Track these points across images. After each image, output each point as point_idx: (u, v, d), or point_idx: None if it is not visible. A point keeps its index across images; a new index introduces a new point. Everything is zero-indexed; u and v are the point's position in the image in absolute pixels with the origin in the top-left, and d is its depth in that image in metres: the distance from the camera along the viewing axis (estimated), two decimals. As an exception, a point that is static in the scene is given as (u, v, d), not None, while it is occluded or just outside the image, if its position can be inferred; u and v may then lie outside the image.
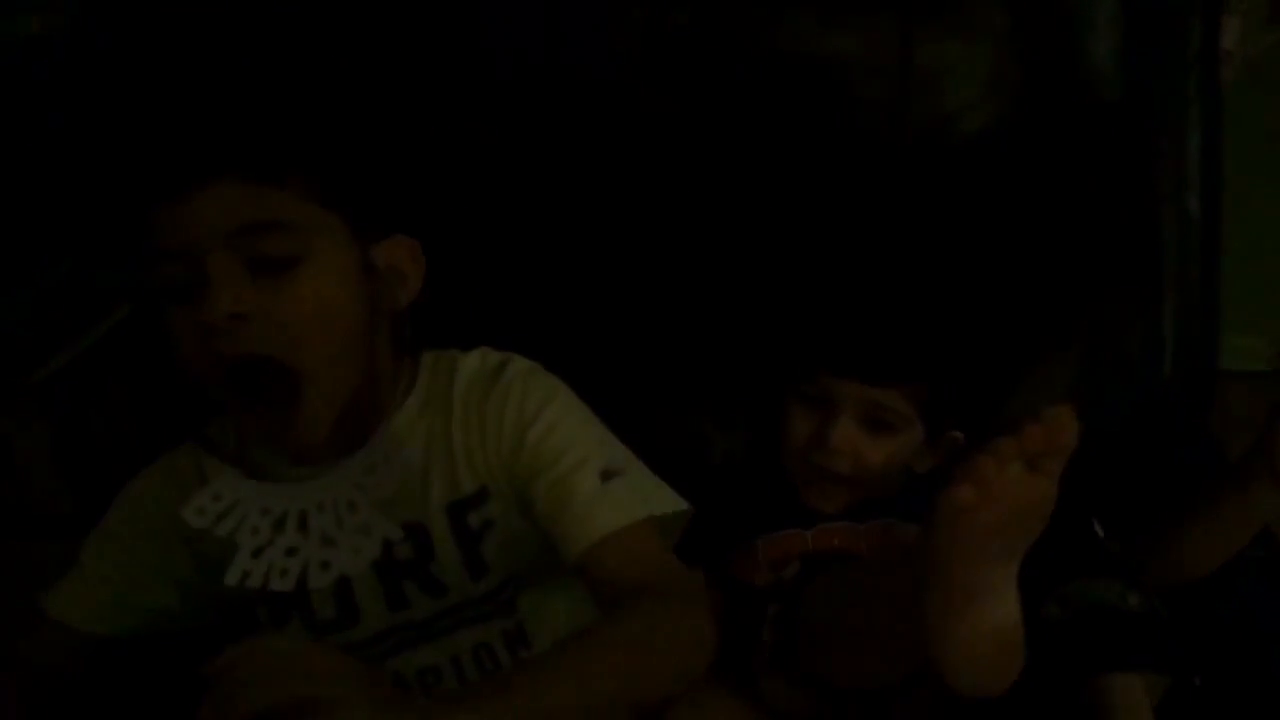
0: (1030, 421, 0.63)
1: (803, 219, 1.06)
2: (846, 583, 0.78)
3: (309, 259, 0.77)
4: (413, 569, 0.84)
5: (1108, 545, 0.85)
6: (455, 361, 0.88)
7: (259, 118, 0.84)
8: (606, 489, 0.80)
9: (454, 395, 0.86)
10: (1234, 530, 0.85)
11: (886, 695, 0.78)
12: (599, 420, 0.86)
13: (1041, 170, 1.06)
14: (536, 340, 0.90)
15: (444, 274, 0.87)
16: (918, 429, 0.94)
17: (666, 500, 0.82)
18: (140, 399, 1.07)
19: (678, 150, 1.05)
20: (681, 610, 0.76)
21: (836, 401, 0.93)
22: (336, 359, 0.79)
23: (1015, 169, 1.06)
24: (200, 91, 1.00)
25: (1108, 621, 0.77)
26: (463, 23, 1.04)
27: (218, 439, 0.87)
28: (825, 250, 1.05)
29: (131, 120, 1.00)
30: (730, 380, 1.07)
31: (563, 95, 1.04)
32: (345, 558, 0.80)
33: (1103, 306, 1.08)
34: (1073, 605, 0.77)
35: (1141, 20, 1.05)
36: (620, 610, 0.75)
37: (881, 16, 1.04)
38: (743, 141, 1.05)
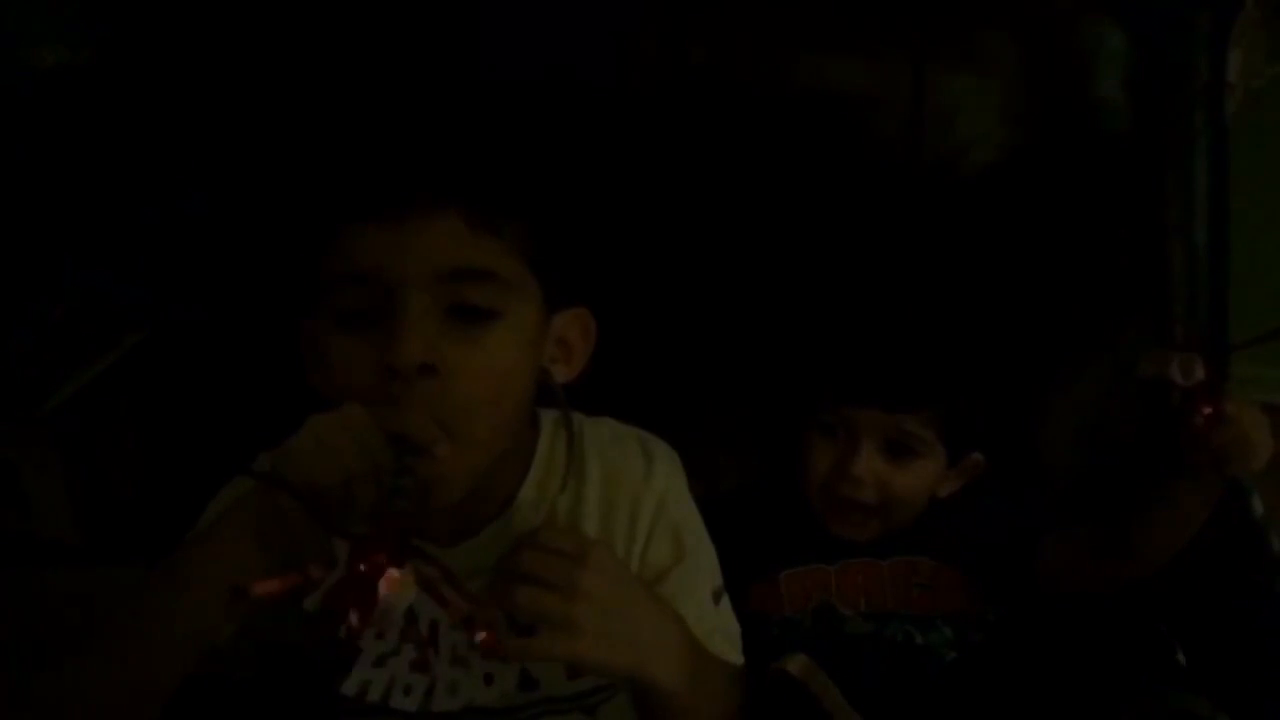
0: None
1: (818, 250, 1.07)
2: None
3: (506, 317, 0.71)
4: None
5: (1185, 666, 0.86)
6: (581, 429, 0.82)
7: (495, 159, 0.77)
8: (719, 613, 0.82)
9: (588, 476, 0.80)
10: (1192, 517, 0.88)
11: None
12: None
13: (1051, 201, 1.07)
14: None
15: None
16: (940, 453, 0.94)
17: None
18: (150, 429, 1.07)
19: (694, 183, 1.06)
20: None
21: (857, 430, 0.92)
22: (497, 427, 0.72)
23: (1026, 200, 1.07)
24: (438, 120, 0.92)
25: None
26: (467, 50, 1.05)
27: None
28: (840, 280, 1.06)
29: (360, 133, 0.93)
30: (746, 410, 1.07)
31: (577, 129, 1.05)
32: (475, 685, 0.73)
33: (1113, 336, 1.08)
34: (1150, 715, 0.78)
35: (1149, 54, 1.07)
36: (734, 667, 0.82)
37: (894, 52, 1.05)
38: (759, 175, 1.06)
